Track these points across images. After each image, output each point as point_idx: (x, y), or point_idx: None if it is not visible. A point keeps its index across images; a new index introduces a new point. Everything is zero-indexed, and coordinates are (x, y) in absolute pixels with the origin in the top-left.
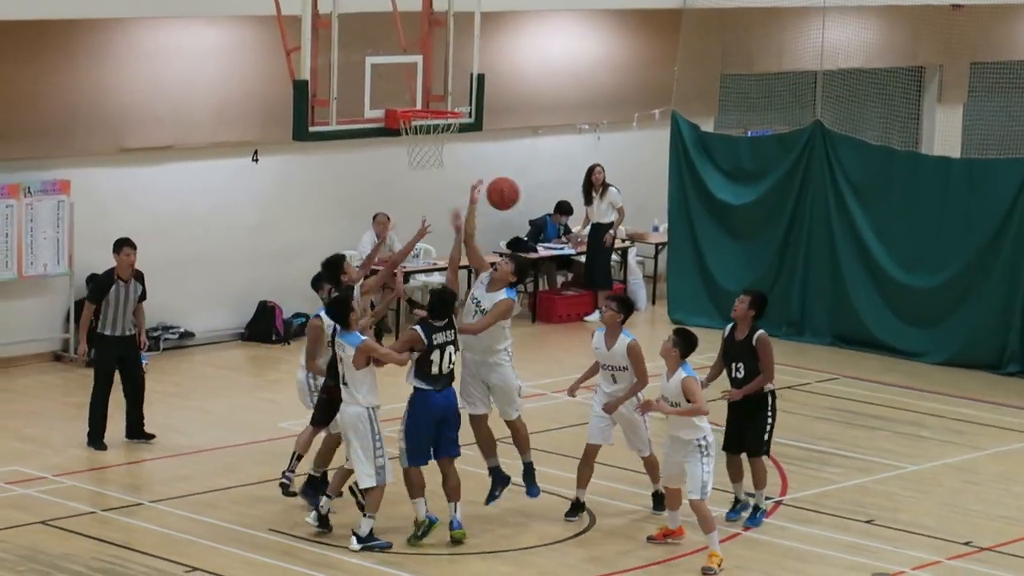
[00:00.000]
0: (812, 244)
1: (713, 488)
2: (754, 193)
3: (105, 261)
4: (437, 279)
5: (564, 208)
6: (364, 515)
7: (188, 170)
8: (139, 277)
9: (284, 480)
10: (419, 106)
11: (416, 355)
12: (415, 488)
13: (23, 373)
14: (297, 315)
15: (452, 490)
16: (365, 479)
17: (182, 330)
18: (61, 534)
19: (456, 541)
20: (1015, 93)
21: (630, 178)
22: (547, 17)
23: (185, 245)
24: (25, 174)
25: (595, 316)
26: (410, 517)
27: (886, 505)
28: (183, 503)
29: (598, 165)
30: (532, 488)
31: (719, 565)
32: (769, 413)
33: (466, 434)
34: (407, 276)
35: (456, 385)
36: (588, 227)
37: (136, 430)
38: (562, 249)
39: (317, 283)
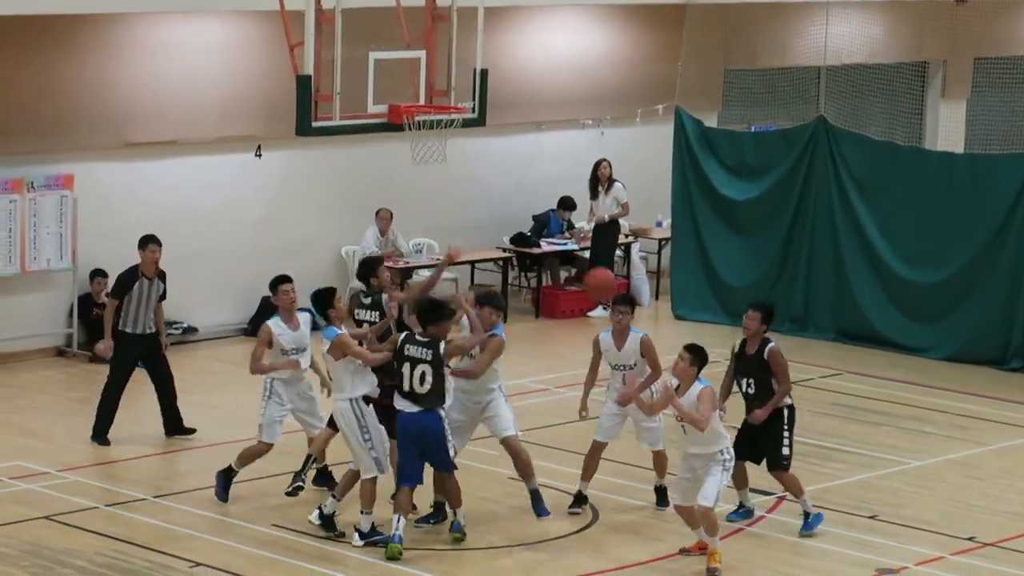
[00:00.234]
0: (815, 240)
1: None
2: (758, 188)
3: (108, 256)
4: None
5: (567, 203)
6: (362, 512)
7: (192, 165)
8: (162, 276)
9: (298, 484)
10: (422, 101)
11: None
12: (396, 505)
13: (26, 368)
14: (300, 310)
15: (452, 499)
16: (366, 471)
17: (186, 325)
18: (65, 529)
19: (457, 541)
20: (1019, 88)
21: (634, 173)
22: (551, 12)
23: (189, 240)
24: (28, 169)
25: (598, 312)
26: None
27: (889, 501)
28: (186, 498)
29: (605, 159)
30: (541, 510)
31: (720, 562)
32: (786, 426)
33: (476, 433)
34: (409, 272)
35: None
36: (593, 222)
37: (175, 426)
38: (565, 244)
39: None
